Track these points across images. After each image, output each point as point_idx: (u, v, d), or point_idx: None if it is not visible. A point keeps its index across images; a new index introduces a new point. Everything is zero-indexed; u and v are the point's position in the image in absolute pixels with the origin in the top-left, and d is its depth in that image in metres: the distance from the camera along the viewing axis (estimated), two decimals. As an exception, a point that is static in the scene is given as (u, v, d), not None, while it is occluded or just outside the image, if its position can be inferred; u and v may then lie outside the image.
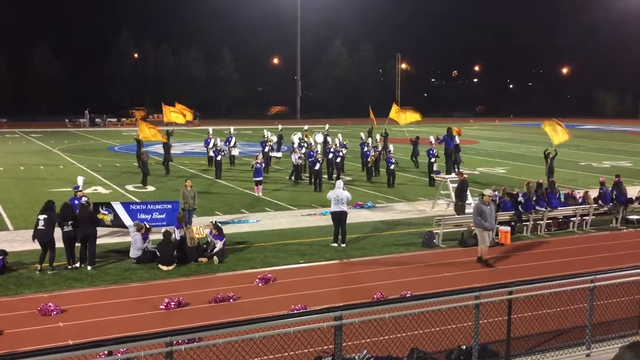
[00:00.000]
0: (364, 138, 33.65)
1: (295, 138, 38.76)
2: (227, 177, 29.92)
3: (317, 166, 26.92)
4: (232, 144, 34.53)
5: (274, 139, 35.03)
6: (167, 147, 32.10)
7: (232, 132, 35.94)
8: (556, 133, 26.06)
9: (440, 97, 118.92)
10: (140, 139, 31.16)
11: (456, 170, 24.55)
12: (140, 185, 27.53)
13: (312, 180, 27.42)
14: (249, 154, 39.66)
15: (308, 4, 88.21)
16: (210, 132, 34.84)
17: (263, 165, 26.73)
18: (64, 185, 25.92)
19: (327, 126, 41.61)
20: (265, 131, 35.28)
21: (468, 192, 21.98)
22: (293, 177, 29.20)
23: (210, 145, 33.43)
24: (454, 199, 21.33)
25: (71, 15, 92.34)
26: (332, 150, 29.99)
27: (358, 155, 34.91)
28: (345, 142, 31.55)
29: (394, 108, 29.61)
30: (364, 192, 26.61)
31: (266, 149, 32.70)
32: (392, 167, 28.00)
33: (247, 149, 42.37)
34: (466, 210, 20.74)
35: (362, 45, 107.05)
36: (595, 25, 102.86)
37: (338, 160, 29.31)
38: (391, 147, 29.59)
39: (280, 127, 40.65)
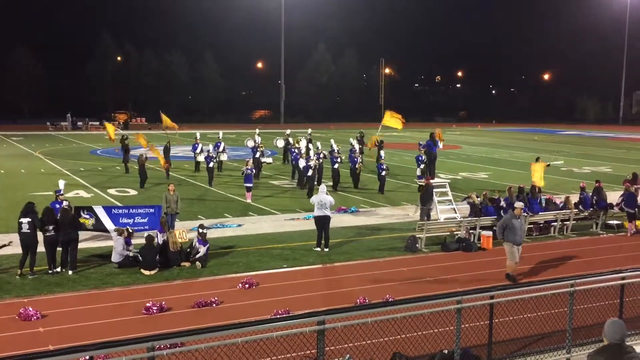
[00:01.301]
0: (353, 144, 33.27)
1: (278, 143, 38.54)
2: (215, 183, 29.53)
3: (310, 172, 26.70)
4: (221, 149, 34.13)
5: (259, 141, 34.47)
6: (167, 150, 31.80)
7: (220, 137, 35.59)
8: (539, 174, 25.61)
9: (423, 102, 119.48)
10: (128, 146, 33.57)
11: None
12: (124, 189, 27.45)
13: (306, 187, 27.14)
14: (233, 157, 39.55)
15: (292, 9, 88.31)
16: (198, 136, 34.57)
17: (253, 171, 26.38)
18: (45, 189, 25.70)
19: (309, 130, 41.61)
20: (256, 136, 34.84)
21: (450, 197, 22.13)
22: (297, 182, 29.29)
23: (198, 151, 33.11)
24: (437, 204, 21.40)
25: (53, 18, 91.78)
26: (321, 156, 29.73)
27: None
28: (338, 148, 31.26)
29: (388, 115, 29.00)
30: (347, 196, 26.66)
31: (257, 155, 32.34)
32: (383, 173, 27.86)
33: (231, 153, 42.18)
34: (435, 214, 20.86)
35: (346, 50, 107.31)
36: (577, 33, 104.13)
37: (336, 166, 28.84)
38: (382, 153, 29.40)
39: (257, 130, 40.37)
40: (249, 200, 24.88)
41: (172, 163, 33.75)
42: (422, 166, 29.03)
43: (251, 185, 25.27)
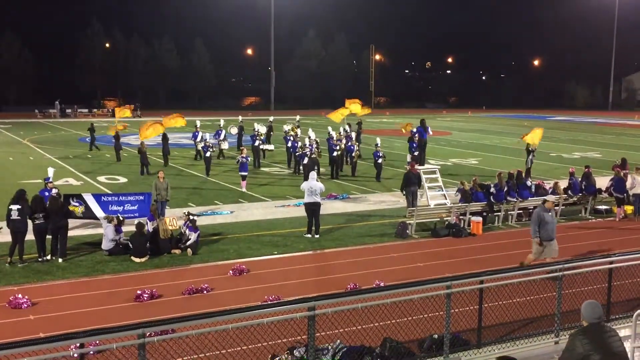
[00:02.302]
0: (348, 131, 33.05)
1: (261, 129, 38.22)
2: (214, 173, 29.10)
3: (305, 160, 26.53)
4: (221, 137, 33.72)
5: (258, 129, 33.80)
6: (165, 139, 31.33)
7: (222, 125, 35.25)
8: (532, 136, 26.83)
9: (413, 89, 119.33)
10: (118, 133, 33.60)
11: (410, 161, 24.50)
12: (113, 176, 27.36)
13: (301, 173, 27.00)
14: (230, 145, 39.25)
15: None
16: (198, 124, 34.22)
17: (248, 159, 26.11)
18: (34, 177, 25.56)
19: (297, 117, 41.48)
20: (255, 124, 34.34)
21: (440, 183, 22.12)
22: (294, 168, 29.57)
23: (198, 139, 32.80)
24: (427, 190, 21.40)
25: (41, 4, 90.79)
26: (314, 145, 29.56)
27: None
28: (337, 135, 31.04)
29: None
30: (341, 183, 26.66)
31: (256, 143, 31.89)
32: (379, 160, 27.76)
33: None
34: (425, 200, 20.85)
35: (336, 37, 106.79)
36: (567, 19, 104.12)
37: (334, 154, 28.41)
38: (378, 140, 29.26)
39: (240, 118, 40.06)
40: (243, 189, 24.75)
41: (170, 151, 32.96)
42: (415, 153, 28.98)
43: (246, 173, 24.97)
